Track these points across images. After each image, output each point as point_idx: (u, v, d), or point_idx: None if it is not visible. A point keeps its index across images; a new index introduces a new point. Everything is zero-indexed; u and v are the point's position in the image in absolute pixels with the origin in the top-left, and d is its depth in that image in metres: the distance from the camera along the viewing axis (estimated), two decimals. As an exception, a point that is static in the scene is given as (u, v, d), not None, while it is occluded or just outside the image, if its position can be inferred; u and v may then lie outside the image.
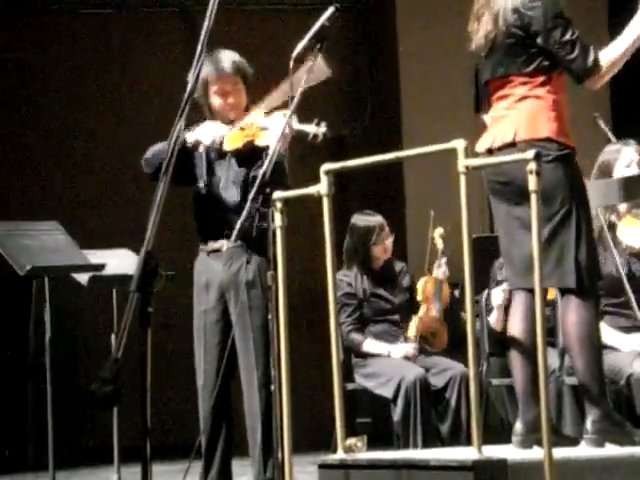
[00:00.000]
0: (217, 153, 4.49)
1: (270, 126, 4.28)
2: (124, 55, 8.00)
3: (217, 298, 4.43)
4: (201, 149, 4.48)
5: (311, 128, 4.17)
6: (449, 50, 7.62)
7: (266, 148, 4.27)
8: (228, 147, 4.44)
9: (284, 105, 4.15)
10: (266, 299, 4.06)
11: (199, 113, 4.51)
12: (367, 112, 8.36)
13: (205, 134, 4.43)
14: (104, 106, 7.94)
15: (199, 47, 2.94)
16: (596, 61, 3.70)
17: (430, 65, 8.12)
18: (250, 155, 4.38)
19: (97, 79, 7.94)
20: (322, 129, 4.15)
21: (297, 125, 4.24)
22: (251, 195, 3.84)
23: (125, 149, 7.85)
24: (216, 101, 4.49)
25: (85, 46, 7.94)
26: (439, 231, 6.00)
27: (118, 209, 7.79)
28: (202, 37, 2.93)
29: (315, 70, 3.96)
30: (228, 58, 4.48)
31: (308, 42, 3.82)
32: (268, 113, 4.39)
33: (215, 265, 4.44)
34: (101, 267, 5.17)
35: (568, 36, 3.69)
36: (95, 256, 5.25)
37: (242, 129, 4.42)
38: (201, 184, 4.50)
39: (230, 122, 4.48)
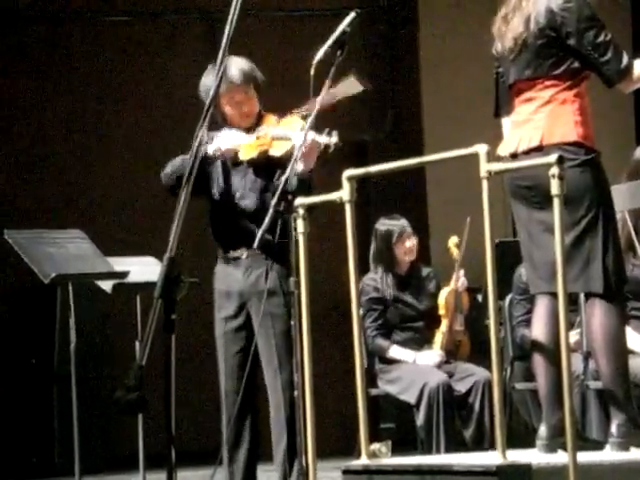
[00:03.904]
0: (232, 161, 4.49)
1: (286, 136, 4.28)
2: (146, 62, 8.02)
3: (238, 306, 4.43)
4: (218, 153, 4.45)
5: (323, 138, 4.16)
6: (470, 56, 7.62)
7: (281, 158, 4.28)
8: (243, 156, 4.43)
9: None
10: (288, 306, 4.07)
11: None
12: (389, 118, 8.35)
13: (225, 142, 4.43)
14: (127, 112, 7.97)
15: (220, 53, 2.95)
16: (629, 64, 3.68)
17: (451, 70, 8.11)
18: (266, 164, 4.38)
19: (119, 86, 7.97)
20: (333, 139, 4.14)
21: (315, 137, 4.24)
22: (273, 202, 3.84)
23: (149, 156, 7.88)
24: (228, 111, 4.46)
25: (107, 54, 7.97)
26: (454, 240, 5.97)
27: (142, 216, 7.81)
28: (223, 43, 2.94)
29: (348, 86, 4.05)
30: (237, 67, 4.42)
31: (329, 48, 3.82)
32: (282, 121, 4.39)
33: (235, 273, 4.44)
34: (124, 274, 5.19)
35: (602, 38, 3.68)
36: (119, 263, 5.28)
37: (257, 138, 4.42)
38: (215, 192, 4.49)
39: (245, 130, 4.47)
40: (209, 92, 4.42)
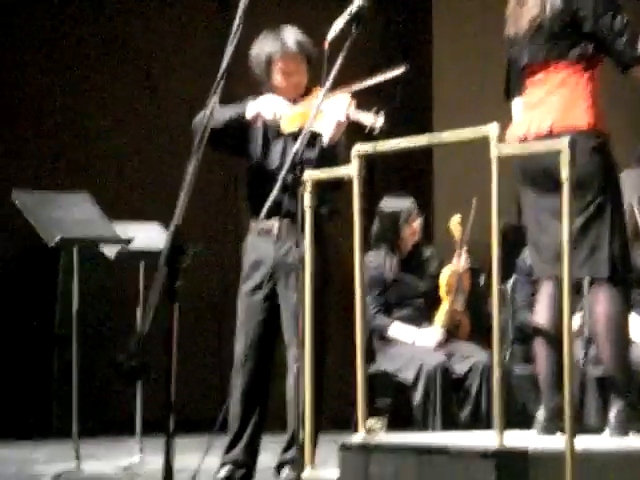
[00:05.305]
0: (275, 132, 4.45)
1: (326, 110, 4.23)
2: (158, 37, 8.00)
3: (265, 277, 4.41)
4: (259, 123, 4.43)
5: (369, 119, 4.12)
6: (483, 35, 7.59)
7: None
8: (286, 128, 4.39)
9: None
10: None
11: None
12: (398, 94, 8.32)
13: (267, 108, 4.38)
14: (136, 82, 7.94)
15: (233, 30, 2.95)
16: None
17: (463, 50, 8.08)
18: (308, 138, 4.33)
19: (130, 57, 7.93)
20: (380, 121, 4.11)
21: (355, 114, 4.21)
22: (282, 175, 3.82)
23: (160, 126, 7.87)
24: (279, 80, 4.44)
25: (118, 28, 7.94)
26: (456, 219, 5.91)
27: (152, 183, 7.80)
28: (236, 21, 2.94)
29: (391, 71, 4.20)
30: (293, 36, 4.44)
31: (344, 23, 3.80)
32: (331, 97, 4.32)
33: (265, 245, 4.42)
34: (129, 241, 5.19)
35: (618, 21, 3.66)
36: (123, 228, 5.27)
37: (302, 111, 4.37)
38: (253, 160, 4.46)
39: (290, 101, 4.42)
40: (262, 57, 4.42)
